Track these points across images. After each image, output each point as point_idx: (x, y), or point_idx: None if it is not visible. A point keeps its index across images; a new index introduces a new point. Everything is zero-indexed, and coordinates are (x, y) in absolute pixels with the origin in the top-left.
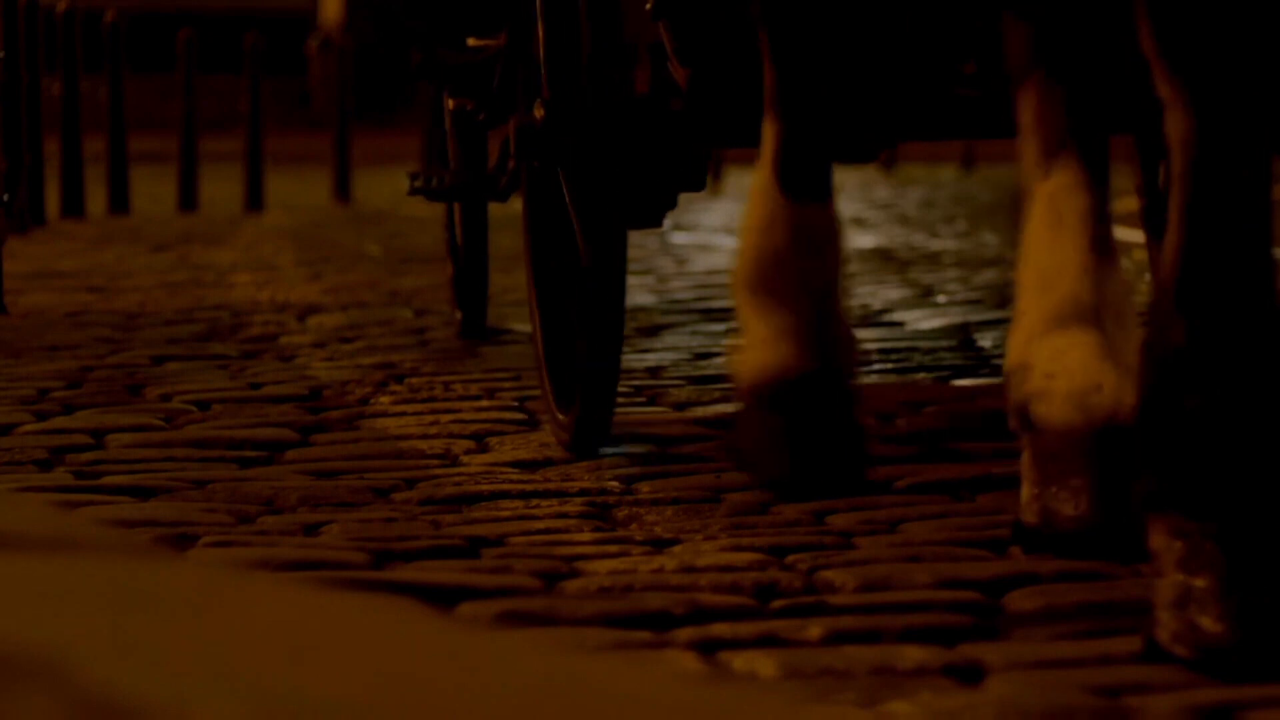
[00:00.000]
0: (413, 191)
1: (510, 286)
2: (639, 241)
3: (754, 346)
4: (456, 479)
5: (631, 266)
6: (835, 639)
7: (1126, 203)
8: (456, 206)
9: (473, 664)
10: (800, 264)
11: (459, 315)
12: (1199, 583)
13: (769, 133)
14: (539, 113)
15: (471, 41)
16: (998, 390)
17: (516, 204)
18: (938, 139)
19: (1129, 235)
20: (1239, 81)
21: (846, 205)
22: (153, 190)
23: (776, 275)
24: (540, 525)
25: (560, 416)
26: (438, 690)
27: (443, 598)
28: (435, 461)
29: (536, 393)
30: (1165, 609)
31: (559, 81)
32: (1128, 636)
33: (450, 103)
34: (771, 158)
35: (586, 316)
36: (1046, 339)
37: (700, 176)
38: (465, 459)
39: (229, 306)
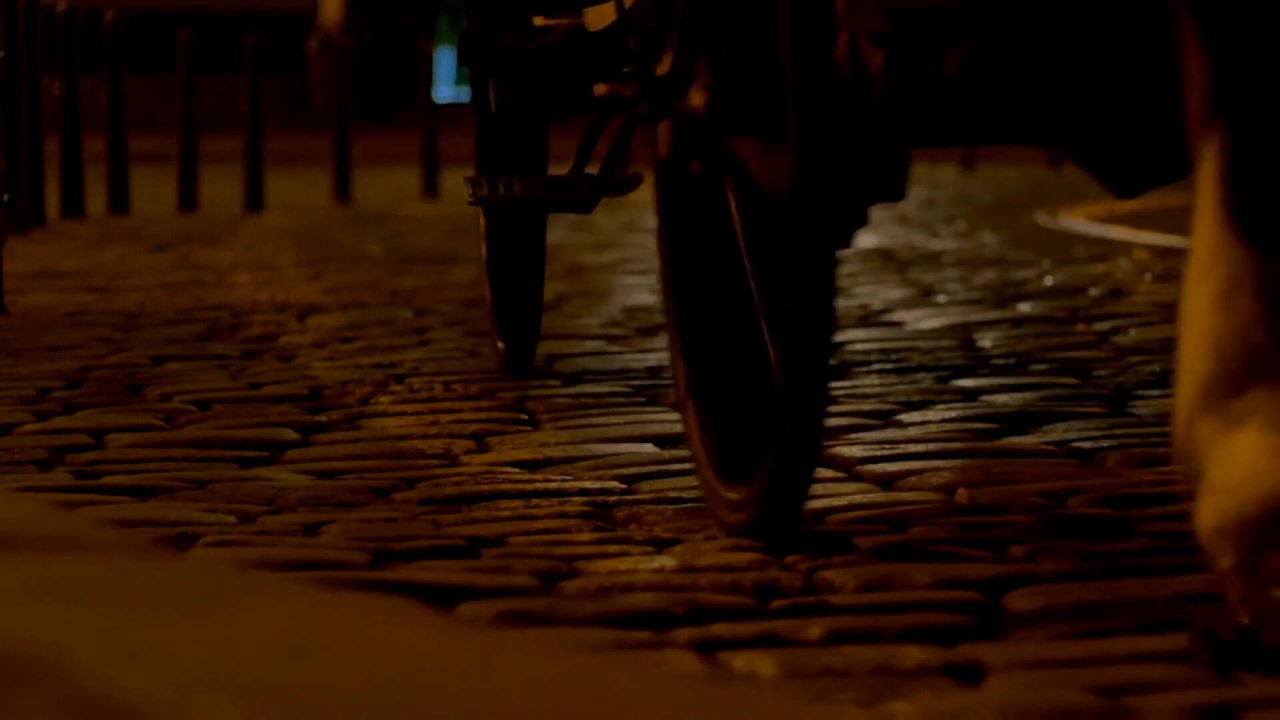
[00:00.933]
0: (476, 200)
1: None
2: (640, 242)
3: (1236, 471)
4: (456, 479)
5: (631, 266)
6: (835, 639)
7: (1128, 202)
8: (482, 218)
9: (473, 664)
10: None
11: (501, 346)
12: None
13: (1211, 156)
14: (698, 100)
15: (539, 21)
16: (998, 389)
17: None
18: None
19: (1129, 235)
20: None
21: None
22: (153, 190)
23: (1249, 367)
24: (540, 525)
25: (728, 493)
26: (438, 690)
27: (443, 598)
28: (435, 461)
29: (537, 393)
30: None
31: (732, 57)
32: (1128, 636)
33: (602, 88)
34: (1219, 192)
35: (785, 365)
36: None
37: (901, 184)
38: (465, 459)
39: (229, 306)
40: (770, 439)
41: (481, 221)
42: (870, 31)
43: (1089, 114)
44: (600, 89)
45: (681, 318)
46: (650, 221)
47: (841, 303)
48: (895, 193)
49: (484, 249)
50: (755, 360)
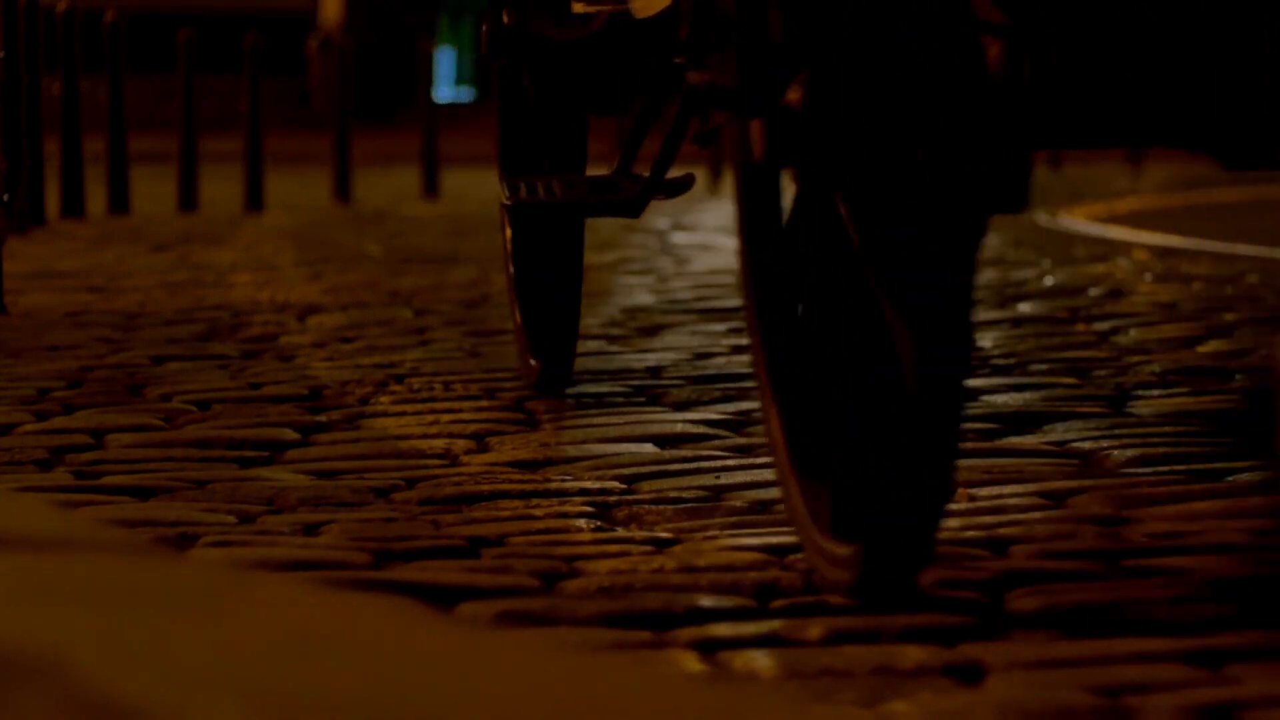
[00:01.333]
0: (516, 204)
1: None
2: (640, 242)
3: None
4: (456, 479)
5: (631, 266)
6: (835, 639)
7: (1128, 202)
8: (510, 227)
9: (473, 664)
10: None
11: (534, 364)
12: None
13: None
14: (796, 96)
15: (579, 8)
16: (998, 389)
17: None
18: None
19: (1129, 235)
20: None
21: None
22: (153, 190)
23: None
24: (540, 525)
25: (837, 548)
26: (438, 690)
27: (443, 598)
28: (435, 461)
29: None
30: None
31: (833, 46)
32: (1128, 637)
33: (697, 78)
34: None
35: (907, 406)
36: None
37: (1023, 191)
38: (465, 459)
39: (229, 306)
40: (887, 485)
41: (507, 231)
42: (986, 21)
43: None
44: (695, 77)
45: (774, 362)
46: (654, 222)
47: None
48: (1015, 202)
49: (509, 257)
50: (870, 387)
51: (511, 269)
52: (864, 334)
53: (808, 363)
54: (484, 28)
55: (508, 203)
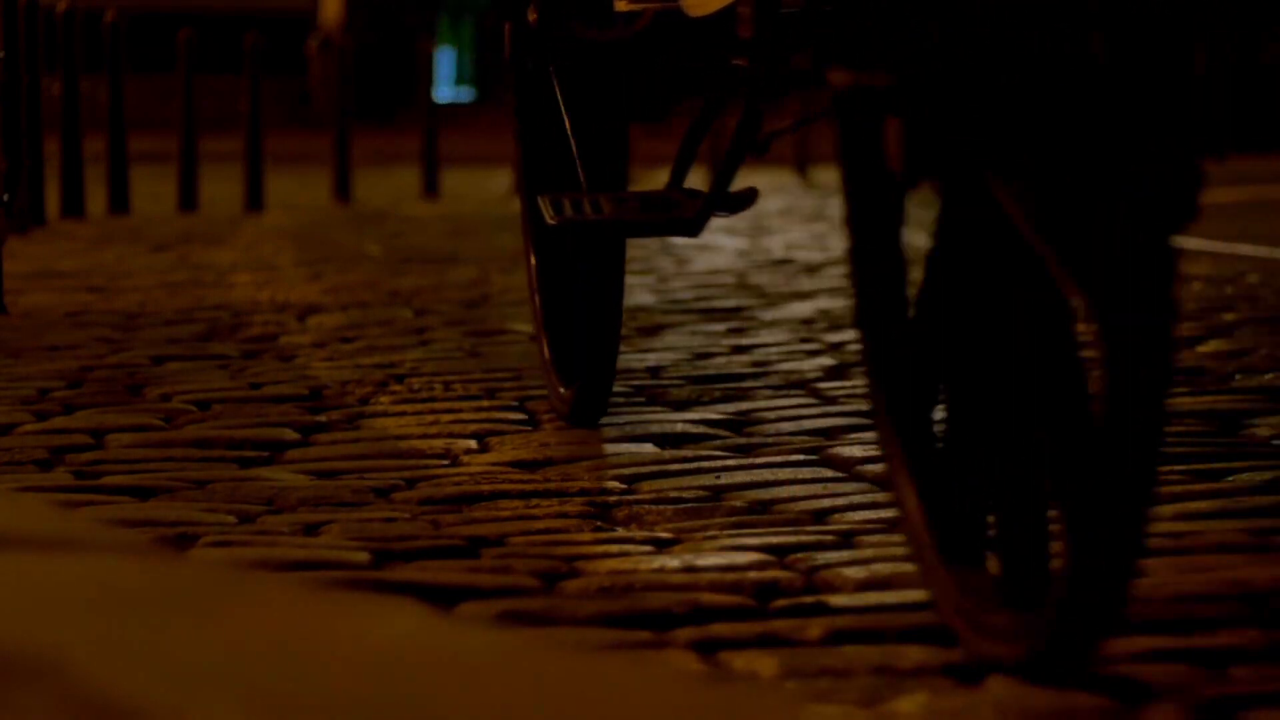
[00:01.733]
0: (561, 218)
1: (510, 286)
2: (639, 242)
3: None
4: (456, 479)
5: (631, 266)
6: (835, 639)
7: None
8: (531, 246)
9: (473, 664)
10: None
11: (564, 392)
12: None
13: None
14: (955, 97)
15: (621, 5)
16: None
17: (512, 202)
18: None
19: None
20: None
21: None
22: (153, 190)
23: None
24: (540, 525)
25: (990, 618)
26: (438, 690)
27: (443, 598)
28: (435, 461)
29: (537, 393)
30: None
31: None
32: (1129, 636)
33: (839, 78)
34: None
35: (1099, 439)
36: None
37: (1192, 200)
38: (465, 459)
39: (229, 306)
40: (1076, 535)
41: (532, 260)
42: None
43: None
44: (840, 77)
45: (895, 392)
46: None
47: (841, 302)
48: (1186, 212)
49: (535, 280)
50: (1022, 425)
51: (538, 291)
52: (1046, 366)
53: (938, 402)
54: (506, 27)
55: (552, 221)
